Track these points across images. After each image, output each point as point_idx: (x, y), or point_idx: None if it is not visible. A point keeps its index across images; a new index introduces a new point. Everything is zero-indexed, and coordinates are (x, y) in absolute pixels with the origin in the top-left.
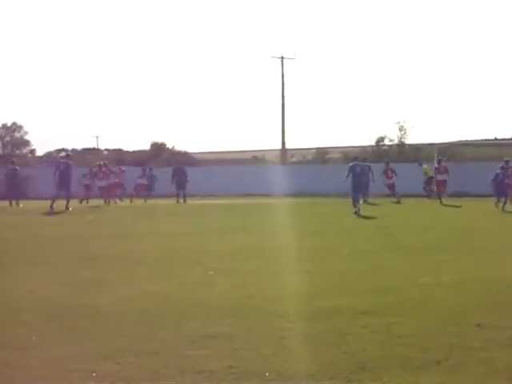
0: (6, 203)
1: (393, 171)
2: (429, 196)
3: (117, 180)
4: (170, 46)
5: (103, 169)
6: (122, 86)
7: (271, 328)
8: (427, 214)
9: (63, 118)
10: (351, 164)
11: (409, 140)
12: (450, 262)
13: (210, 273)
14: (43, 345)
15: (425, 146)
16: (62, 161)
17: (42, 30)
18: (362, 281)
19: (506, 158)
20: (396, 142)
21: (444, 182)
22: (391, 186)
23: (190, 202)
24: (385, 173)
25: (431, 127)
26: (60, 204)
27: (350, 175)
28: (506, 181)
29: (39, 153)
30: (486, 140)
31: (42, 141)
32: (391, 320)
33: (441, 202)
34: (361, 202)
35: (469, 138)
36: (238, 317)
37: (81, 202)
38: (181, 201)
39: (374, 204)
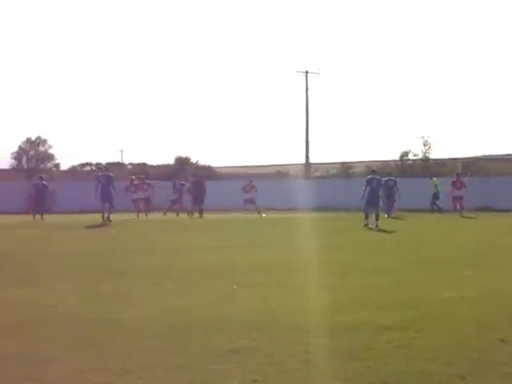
0: (29, 217)
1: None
2: (431, 211)
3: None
4: (195, 61)
5: (134, 182)
6: (146, 101)
7: (294, 342)
8: (448, 228)
9: (88, 132)
10: (369, 177)
11: (433, 155)
12: (473, 276)
13: (234, 287)
14: (66, 359)
15: (449, 161)
16: (101, 173)
17: (66, 45)
18: (384, 295)
19: None
20: (420, 156)
21: (459, 198)
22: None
23: (213, 216)
24: None
25: (456, 142)
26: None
27: (368, 188)
28: None
29: (63, 167)
30: (510, 155)
31: (67, 155)
32: (414, 335)
33: (461, 215)
34: (386, 215)
35: (493, 153)
36: (262, 331)
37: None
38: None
39: (397, 218)
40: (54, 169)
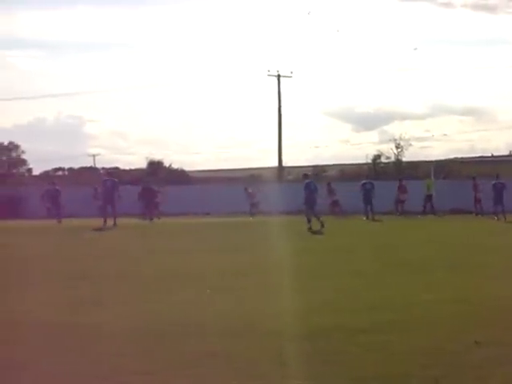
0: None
1: (335, 189)
2: (423, 213)
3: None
4: (168, 63)
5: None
6: (118, 104)
7: (270, 346)
8: (422, 230)
9: (60, 137)
10: (306, 181)
11: (405, 157)
12: (448, 278)
13: (208, 291)
14: (40, 364)
15: (421, 164)
16: (106, 178)
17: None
18: (360, 298)
19: None
20: (393, 159)
21: (402, 201)
22: (335, 203)
23: (184, 220)
24: (328, 192)
25: (428, 144)
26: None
27: (306, 192)
28: None
29: (36, 172)
30: (482, 157)
31: (39, 160)
32: (389, 338)
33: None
34: (364, 217)
35: (465, 156)
36: (237, 335)
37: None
38: (148, 219)
39: (377, 220)
40: (26, 174)
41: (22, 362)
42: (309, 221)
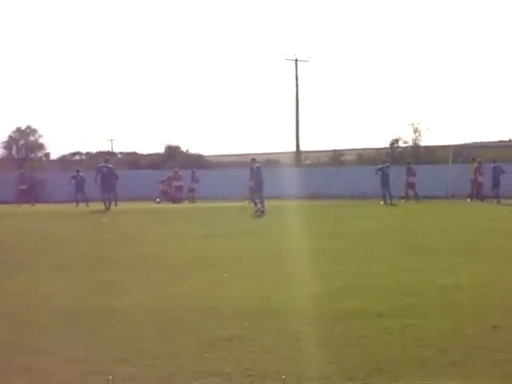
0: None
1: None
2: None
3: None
4: (185, 49)
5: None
6: (136, 89)
7: (287, 330)
8: (443, 215)
9: (78, 122)
10: (256, 165)
11: (423, 142)
12: (467, 263)
13: (226, 275)
14: (61, 348)
15: (439, 148)
16: (103, 165)
17: (57, 34)
18: (379, 283)
19: None
20: (410, 143)
21: (413, 184)
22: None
23: (203, 205)
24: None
25: (446, 129)
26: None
27: (256, 177)
28: None
29: (53, 156)
30: (501, 141)
31: (57, 144)
32: (408, 322)
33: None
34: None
35: (484, 140)
36: (255, 319)
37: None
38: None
39: (392, 205)
40: (44, 158)
41: (44, 346)
42: (255, 204)
